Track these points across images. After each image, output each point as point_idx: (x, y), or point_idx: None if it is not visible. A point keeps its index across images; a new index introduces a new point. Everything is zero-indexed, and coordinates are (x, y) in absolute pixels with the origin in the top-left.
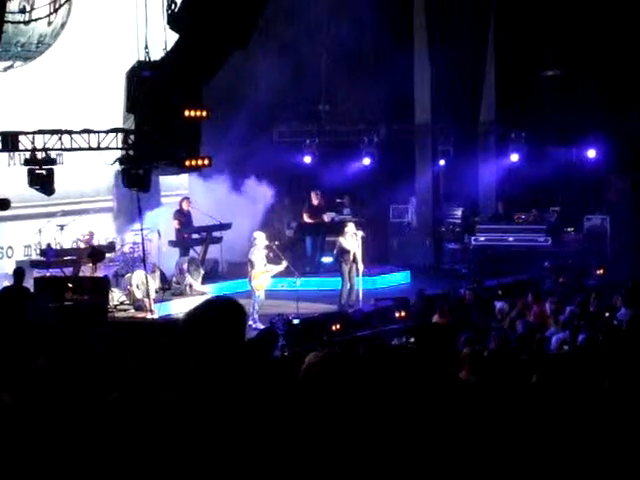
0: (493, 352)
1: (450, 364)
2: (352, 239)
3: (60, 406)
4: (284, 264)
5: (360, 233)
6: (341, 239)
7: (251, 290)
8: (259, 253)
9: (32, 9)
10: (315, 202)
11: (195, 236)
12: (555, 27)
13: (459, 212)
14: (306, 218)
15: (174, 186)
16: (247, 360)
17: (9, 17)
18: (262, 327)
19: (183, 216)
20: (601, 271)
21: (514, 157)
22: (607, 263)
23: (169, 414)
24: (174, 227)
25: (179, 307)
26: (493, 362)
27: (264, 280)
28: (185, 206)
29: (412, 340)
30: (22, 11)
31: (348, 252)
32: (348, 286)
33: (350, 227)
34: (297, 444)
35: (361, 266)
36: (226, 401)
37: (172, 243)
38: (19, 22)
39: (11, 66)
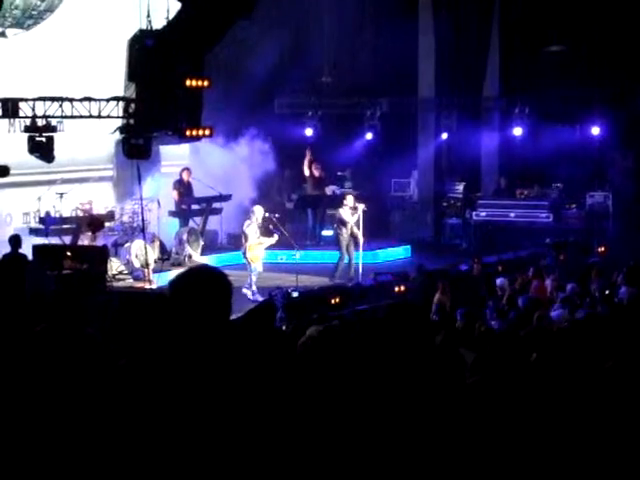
0: (490, 328)
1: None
2: (350, 212)
3: (58, 373)
4: (275, 237)
5: (362, 206)
6: (340, 211)
7: (246, 262)
8: (253, 226)
9: None
10: (317, 174)
11: (195, 207)
12: (560, 2)
13: (461, 187)
14: (309, 190)
15: (175, 156)
16: (236, 330)
17: None
18: (261, 299)
19: (183, 186)
20: (602, 249)
21: (517, 131)
22: (609, 241)
23: (151, 381)
24: (173, 197)
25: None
26: (491, 338)
27: (258, 252)
28: (185, 176)
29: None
30: None
31: (346, 224)
32: (346, 259)
33: (349, 199)
34: (293, 416)
35: (361, 239)
36: (209, 370)
37: (172, 213)
38: None
39: (3, 33)
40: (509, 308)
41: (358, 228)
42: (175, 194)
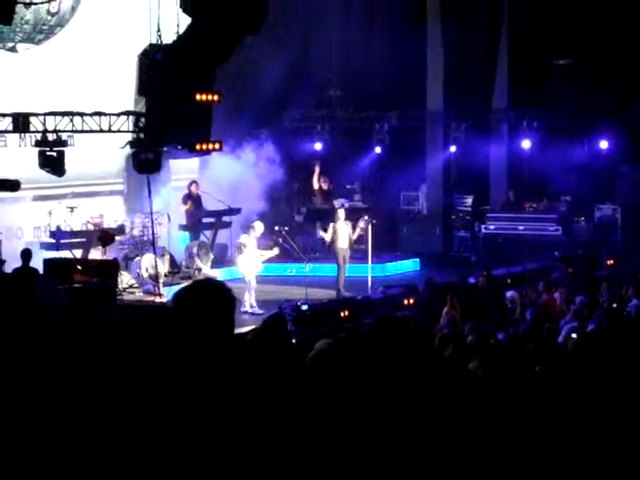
0: (499, 341)
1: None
2: (343, 226)
3: (68, 386)
4: (276, 250)
5: (361, 222)
6: (334, 225)
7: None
8: (250, 239)
9: None
10: (325, 187)
11: (205, 220)
12: (568, 16)
13: (469, 200)
14: (318, 202)
15: (185, 169)
16: (236, 344)
17: None
18: (260, 312)
19: (192, 200)
20: (611, 262)
21: (525, 144)
22: (617, 254)
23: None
24: (183, 211)
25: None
26: (498, 351)
27: (254, 266)
28: (194, 189)
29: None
30: None
31: (339, 237)
32: (343, 271)
33: (341, 213)
34: (302, 430)
35: (348, 253)
36: (212, 384)
37: (182, 227)
38: (38, 3)
39: (14, 47)
40: (522, 321)
41: (352, 241)
42: (184, 208)
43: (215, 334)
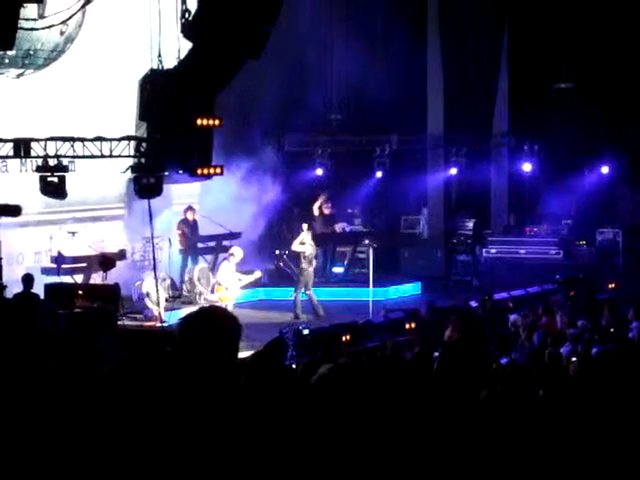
0: (502, 366)
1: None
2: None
3: (67, 409)
4: (258, 273)
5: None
6: (306, 247)
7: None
8: (230, 265)
9: (46, 16)
10: (326, 212)
11: (204, 245)
12: (569, 40)
13: (470, 224)
14: (319, 229)
15: (186, 194)
16: (243, 370)
17: (30, 24)
18: None
19: (188, 226)
20: (613, 285)
21: (526, 167)
22: (619, 277)
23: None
24: (178, 236)
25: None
26: (502, 376)
27: (230, 292)
28: (190, 216)
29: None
30: (41, 17)
31: (311, 261)
32: (304, 296)
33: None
34: (304, 455)
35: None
36: (217, 410)
37: (182, 252)
38: (39, 29)
39: (22, 73)
40: (527, 344)
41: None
42: (180, 233)
43: (219, 360)
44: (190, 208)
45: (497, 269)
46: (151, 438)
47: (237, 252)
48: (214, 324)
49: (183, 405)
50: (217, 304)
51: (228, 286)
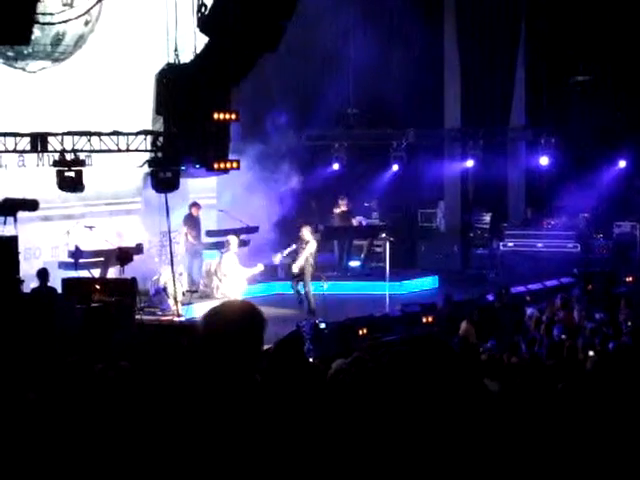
0: (520, 359)
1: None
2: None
3: (86, 403)
4: (260, 266)
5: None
6: (311, 245)
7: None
8: (231, 256)
9: (71, 7)
10: (344, 207)
11: (223, 239)
12: (586, 33)
13: (487, 217)
14: (337, 221)
15: (202, 188)
16: (265, 363)
17: (47, 18)
18: None
19: (192, 221)
20: (630, 278)
21: (543, 161)
22: (637, 270)
23: (186, 414)
24: (183, 233)
25: (206, 310)
26: (518, 369)
27: (235, 286)
28: (194, 212)
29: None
30: (62, 11)
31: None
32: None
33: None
34: (321, 448)
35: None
36: (241, 404)
37: (190, 247)
38: (56, 23)
39: (43, 67)
40: (546, 338)
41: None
42: (185, 229)
43: (245, 354)
44: (195, 204)
45: (514, 262)
46: (172, 432)
47: (232, 240)
48: (239, 318)
49: (204, 399)
50: (231, 297)
51: (234, 278)
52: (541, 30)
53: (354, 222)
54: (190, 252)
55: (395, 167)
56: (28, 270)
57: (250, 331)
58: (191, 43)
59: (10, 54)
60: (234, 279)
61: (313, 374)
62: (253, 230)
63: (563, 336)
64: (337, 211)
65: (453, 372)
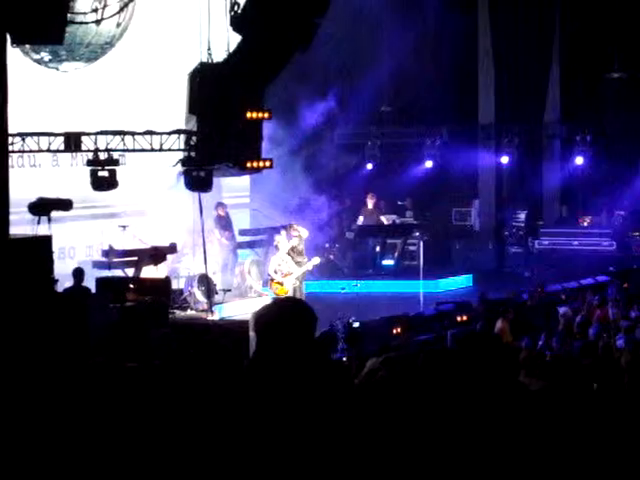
0: (555, 356)
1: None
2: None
3: (120, 402)
4: (316, 260)
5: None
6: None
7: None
8: (276, 258)
9: (104, 7)
10: (370, 205)
11: (257, 238)
12: (621, 29)
13: (522, 215)
14: (361, 221)
15: (236, 187)
16: (312, 362)
17: (80, 17)
18: None
19: (223, 222)
20: None
21: (579, 160)
22: None
23: (233, 412)
24: (216, 234)
25: (239, 309)
26: (554, 366)
27: (288, 284)
28: (221, 212)
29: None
30: (94, 10)
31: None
32: None
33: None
34: (355, 449)
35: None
36: (292, 400)
37: (233, 245)
38: (89, 22)
39: (76, 67)
40: (579, 337)
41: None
42: (217, 232)
43: (298, 352)
44: (220, 204)
45: (549, 261)
46: (209, 429)
47: (282, 241)
48: (292, 316)
49: (242, 398)
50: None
51: (282, 280)
52: (576, 26)
53: (384, 219)
54: (223, 251)
55: (429, 163)
56: (62, 270)
57: (301, 328)
58: (224, 42)
59: (44, 54)
60: (284, 281)
61: (343, 373)
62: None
63: (602, 334)
64: (366, 208)
65: (492, 370)
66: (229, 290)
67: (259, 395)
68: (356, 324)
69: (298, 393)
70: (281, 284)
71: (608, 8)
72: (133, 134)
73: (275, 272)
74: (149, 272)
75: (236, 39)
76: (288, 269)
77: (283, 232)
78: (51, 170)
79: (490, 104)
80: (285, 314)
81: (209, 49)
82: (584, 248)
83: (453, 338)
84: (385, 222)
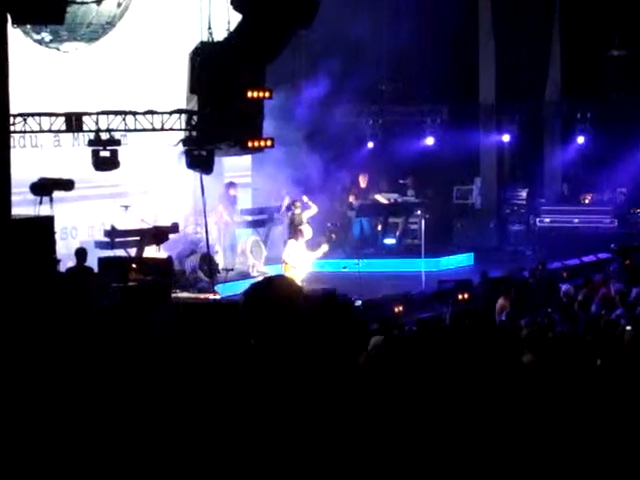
0: (560, 334)
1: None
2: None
3: (124, 381)
4: (324, 248)
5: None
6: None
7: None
8: (296, 245)
9: None
10: (362, 185)
11: (258, 217)
12: (621, 7)
13: (524, 193)
14: (351, 199)
15: (237, 167)
16: (307, 338)
17: None
18: None
19: (228, 200)
20: None
21: (580, 139)
22: None
23: (230, 392)
24: (219, 211)
25: (242, 288)
26: (558, 344)
27: (300, 270)
28: (232, 192)
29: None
30: None
31: None
32: None
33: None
34: (356, 426)
35: None
36: (285, 379)
37: (239, 224)
38: (90, 2)
39: (77, 47)
40: (581, 314)
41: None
42: (221, 208)
43: (284, 329)
44: (232, 184)
45: (551, 238)
46: (212, 408)
47: (307, 231)
48: (278, 294)
49: (242, 377)
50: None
51: (296, 264)
52: (576, 4)
53: (380, 198)
54: (226, 230)
55: (430, 141)
56: (65, 250)
57: (289, 306)
58: (225, 21)
59: (45, 34)
60: (298, 266)
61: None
62: (288, 209)
63: (603, 312)
64: (358, 187)
65: (490, 347)
66: (231, 269)
67: (263, 373)
68: (358, 302)
69: (293, 369)
70: (294, 268)
71: None
72: (134, 114)
73: (289, 256)
74: (151, 252)
75: (237, 18)
76: (300, 260)
77: (298, 203)
78: (53, 150)
79: (491, 82)
80: (276, 290)
81: (210, 28)
82: (586, 226)
83: (452, 317)
84: (382, 201)
